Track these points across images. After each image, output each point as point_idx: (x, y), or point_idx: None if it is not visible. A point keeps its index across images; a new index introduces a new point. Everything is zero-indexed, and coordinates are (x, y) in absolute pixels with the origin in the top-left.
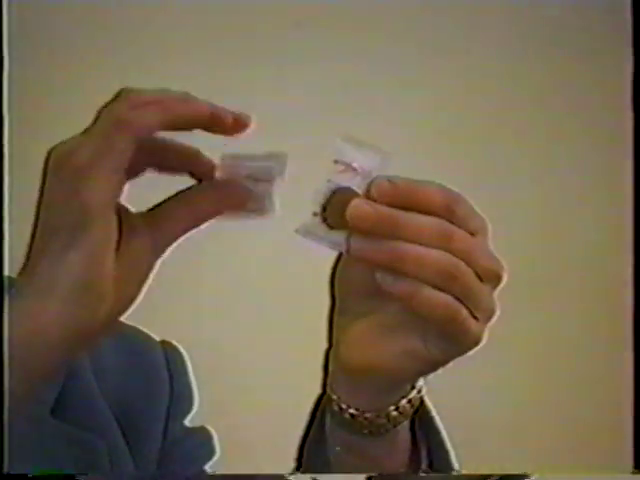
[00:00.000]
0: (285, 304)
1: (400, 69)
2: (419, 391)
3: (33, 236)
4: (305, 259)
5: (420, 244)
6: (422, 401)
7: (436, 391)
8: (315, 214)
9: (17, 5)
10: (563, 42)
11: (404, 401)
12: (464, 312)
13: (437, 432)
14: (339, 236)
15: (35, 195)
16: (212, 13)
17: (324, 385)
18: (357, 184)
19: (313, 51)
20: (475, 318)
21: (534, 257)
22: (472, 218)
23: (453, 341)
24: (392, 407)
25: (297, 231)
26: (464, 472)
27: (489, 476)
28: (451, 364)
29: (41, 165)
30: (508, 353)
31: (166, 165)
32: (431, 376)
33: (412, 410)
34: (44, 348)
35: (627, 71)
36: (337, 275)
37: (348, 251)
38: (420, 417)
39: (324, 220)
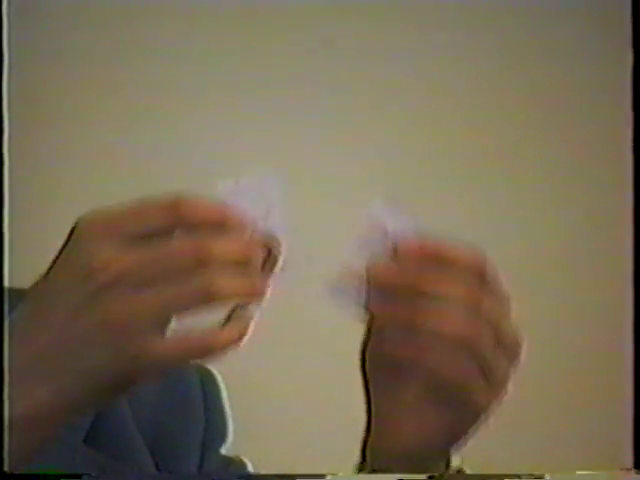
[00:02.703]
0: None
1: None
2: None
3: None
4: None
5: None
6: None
7: None
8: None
9: (17, 5)
10: (562, 42)
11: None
12: (481, 381)
13: None
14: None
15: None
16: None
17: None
18: (387, 245)
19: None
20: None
21: (533, 257)
22: (499, 286)
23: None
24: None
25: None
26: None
27: (488, 476)
28: None
29: (39, 164)
30: None
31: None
32: None
33: None
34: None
35: (627, 71)
36: (366, 352)
37: (367, 306)
38: None
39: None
